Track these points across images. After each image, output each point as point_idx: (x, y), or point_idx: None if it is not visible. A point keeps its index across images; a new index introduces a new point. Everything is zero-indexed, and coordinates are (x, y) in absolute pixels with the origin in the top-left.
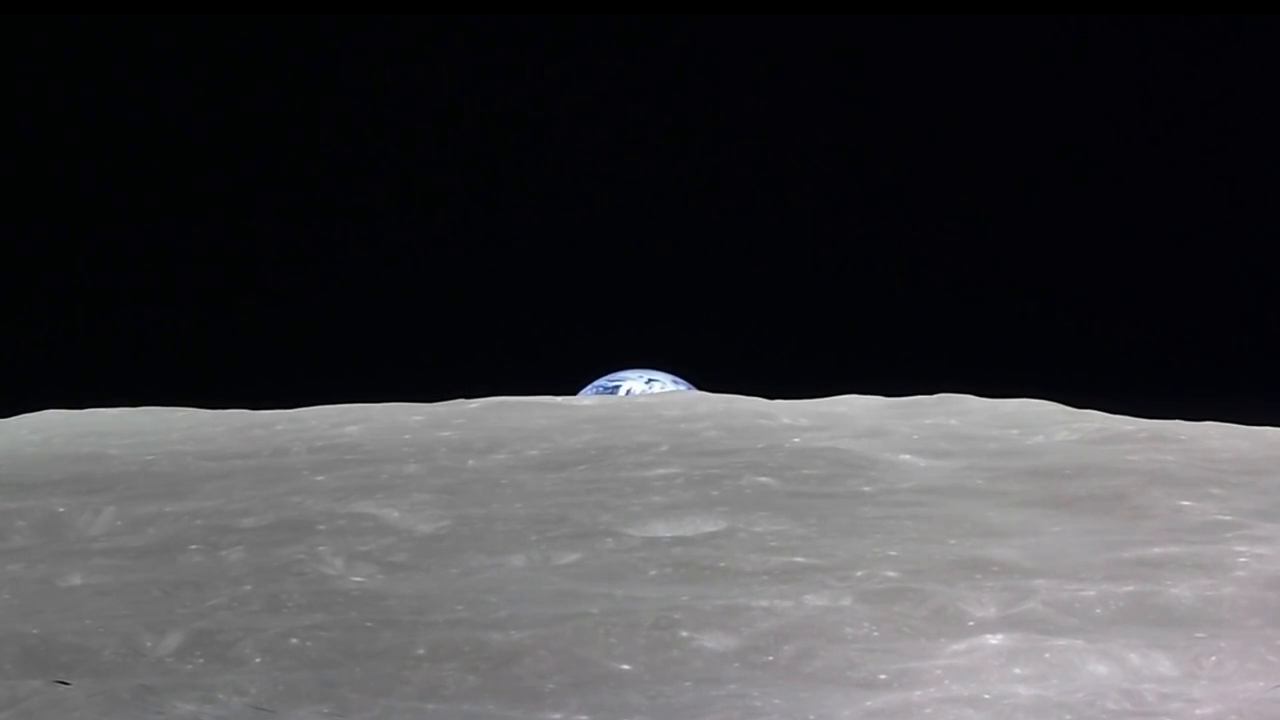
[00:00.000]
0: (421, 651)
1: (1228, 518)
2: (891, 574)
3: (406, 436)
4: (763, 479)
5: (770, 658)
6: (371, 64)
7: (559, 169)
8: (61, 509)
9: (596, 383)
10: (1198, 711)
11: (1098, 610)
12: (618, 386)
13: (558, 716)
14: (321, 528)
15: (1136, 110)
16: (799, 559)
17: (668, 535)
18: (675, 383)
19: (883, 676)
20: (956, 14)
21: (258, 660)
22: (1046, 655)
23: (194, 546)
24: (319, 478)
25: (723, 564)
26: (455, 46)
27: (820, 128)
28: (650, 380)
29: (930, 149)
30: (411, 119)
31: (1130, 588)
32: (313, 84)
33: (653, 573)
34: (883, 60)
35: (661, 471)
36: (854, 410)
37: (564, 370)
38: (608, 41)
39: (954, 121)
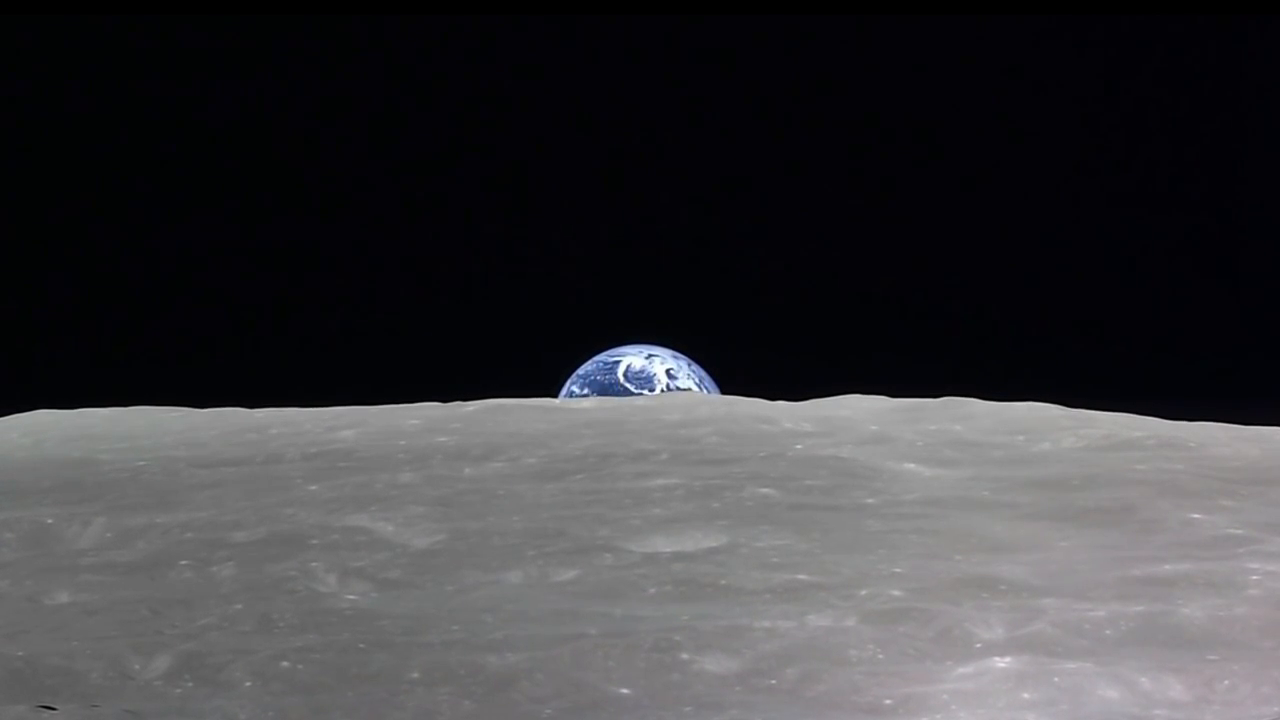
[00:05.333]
0: (416, 675)
1: (1239, 531)
2: (896, 593)
3: (402, 442)
4: (765, 490)
5: (773, 681)
6: (362, 65)
7: (566, 162)
8: (50, 520)
9: (597, 358)
10: None
11: (1108, 631)
12: (618, 362)
13: None
14: (314, 542)
15: (1139, 112)
16: (802, 576)
17: (668, 550)
18: (675, 358)
19: (888, 701)
20: (961, 14)
21: (248, 684)
22: (1056, 679)
23: (184, 562)
24: (312, 487)
25: (724, 581)
26: (447, 44)
27: (827, 122)
28: (650, 355)
29: (936, 149)
30: (407, 117)
31: (1140, 607)
32: (306, 85)
33: (652, 590)
34: (885, 62)
35: (661, 482)
36: (857, 414)
37: (565, 348)
38: (625, 43)
39: (960, 122)
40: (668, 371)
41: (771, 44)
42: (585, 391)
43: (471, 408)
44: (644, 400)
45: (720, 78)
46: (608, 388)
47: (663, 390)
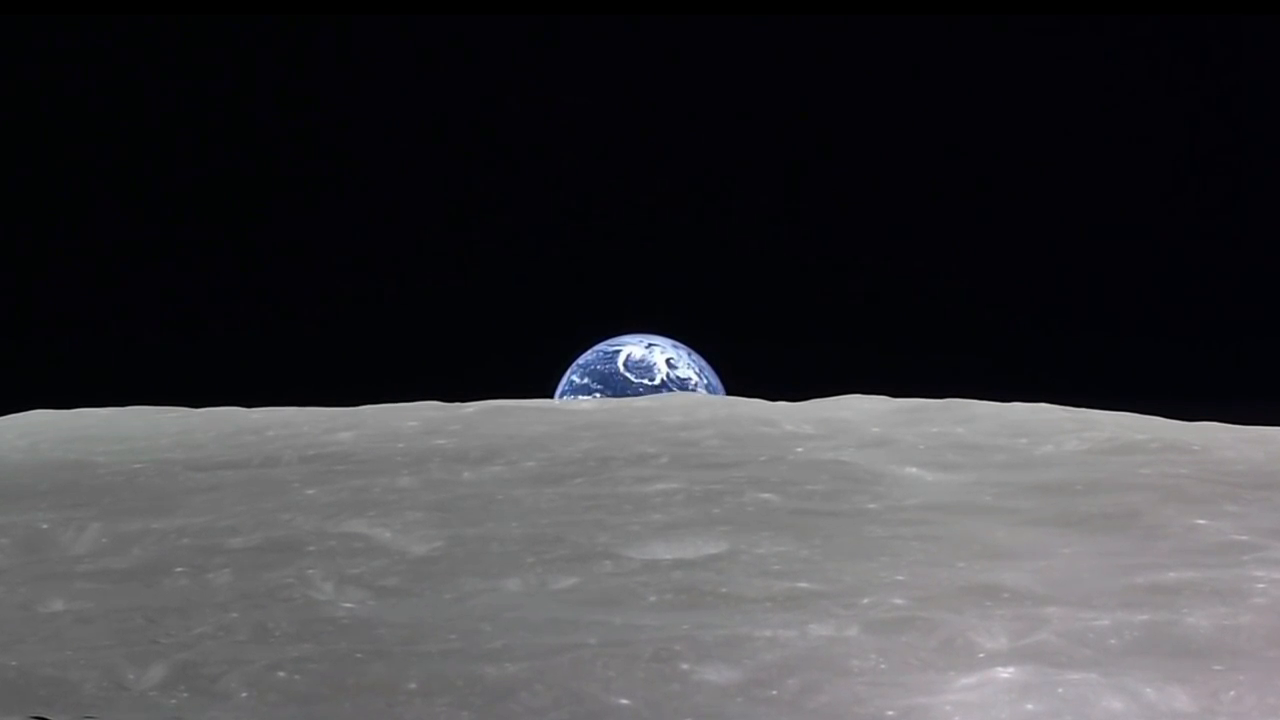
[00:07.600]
0: (413, 685)
1: (1244, 538)
2: (899, 601)
3: (400, 445)
4: (765, 495)
5: (774, 692)
6: (360, 63)
7: (567, 157)
8: (45, 525)
9: (597, 347)
10: None
11: (1112, 641)
12: (618, 351)
13: None
14: (311, 548)
15: (1140, 112)
16: (803, 584)
17: (668, 557)
18: (675, 348)
19: (890, 713)
20: (963, 14)
21: (243, 695)
22: (1060, 690)
23: (180, 569)
24: (310, 491)
25: (724, 589)
26: (443, 39)
27: (829, 121)
28: (650, 345)
29: (938, 149)
30: (403, 114)
31: (1145, 616)
32: (303, 84)
33: (652, 598)
34: (889, 62)
35: (661, 487)
36: (858, 416)
37: (565, 338)
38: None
39: (962, 122)
40: (668, 361)
41: (779, 40)
42: (585, 380)
43: (470, 409)
44: (644, 401)
45: (723, 71)
46: (608, 377)
47: (663, 380)
